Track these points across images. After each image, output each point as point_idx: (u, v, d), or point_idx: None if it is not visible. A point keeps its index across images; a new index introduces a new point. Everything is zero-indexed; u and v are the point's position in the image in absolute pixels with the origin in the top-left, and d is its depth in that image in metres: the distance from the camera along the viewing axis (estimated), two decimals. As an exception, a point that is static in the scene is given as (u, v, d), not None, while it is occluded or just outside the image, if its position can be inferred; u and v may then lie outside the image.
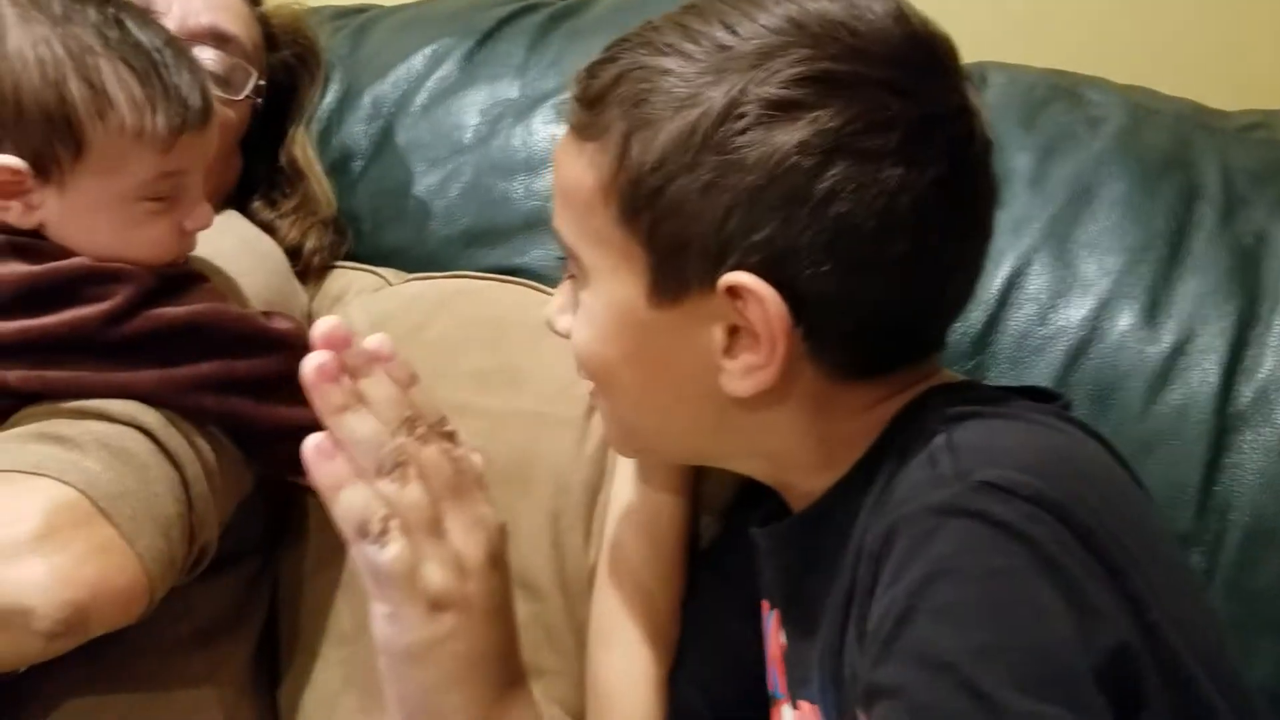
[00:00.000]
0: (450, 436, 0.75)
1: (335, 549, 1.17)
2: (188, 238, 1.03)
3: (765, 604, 0.93)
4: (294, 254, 1.28)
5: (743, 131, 0.75)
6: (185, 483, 0.99)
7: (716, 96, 0.76)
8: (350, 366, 0.73)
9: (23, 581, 0.89)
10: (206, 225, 1.03)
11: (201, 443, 1.01)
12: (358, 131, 1.38)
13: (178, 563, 0.98)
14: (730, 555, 0.98)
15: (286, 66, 1.32)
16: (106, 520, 0.93)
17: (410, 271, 1.31)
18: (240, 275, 1.13)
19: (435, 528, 0.72)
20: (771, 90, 0.75)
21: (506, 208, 1.31)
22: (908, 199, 0.76)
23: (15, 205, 0.98)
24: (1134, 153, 1.15)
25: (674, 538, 0.99)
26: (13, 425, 0.98)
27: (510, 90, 1.34)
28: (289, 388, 1.00)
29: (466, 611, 0.73)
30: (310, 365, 0.72)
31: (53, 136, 0.96)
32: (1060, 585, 0.66)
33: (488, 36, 1.37)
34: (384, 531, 0.71)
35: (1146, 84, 1.27)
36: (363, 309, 1.27)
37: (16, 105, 0.96)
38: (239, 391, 1.01)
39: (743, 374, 0.79)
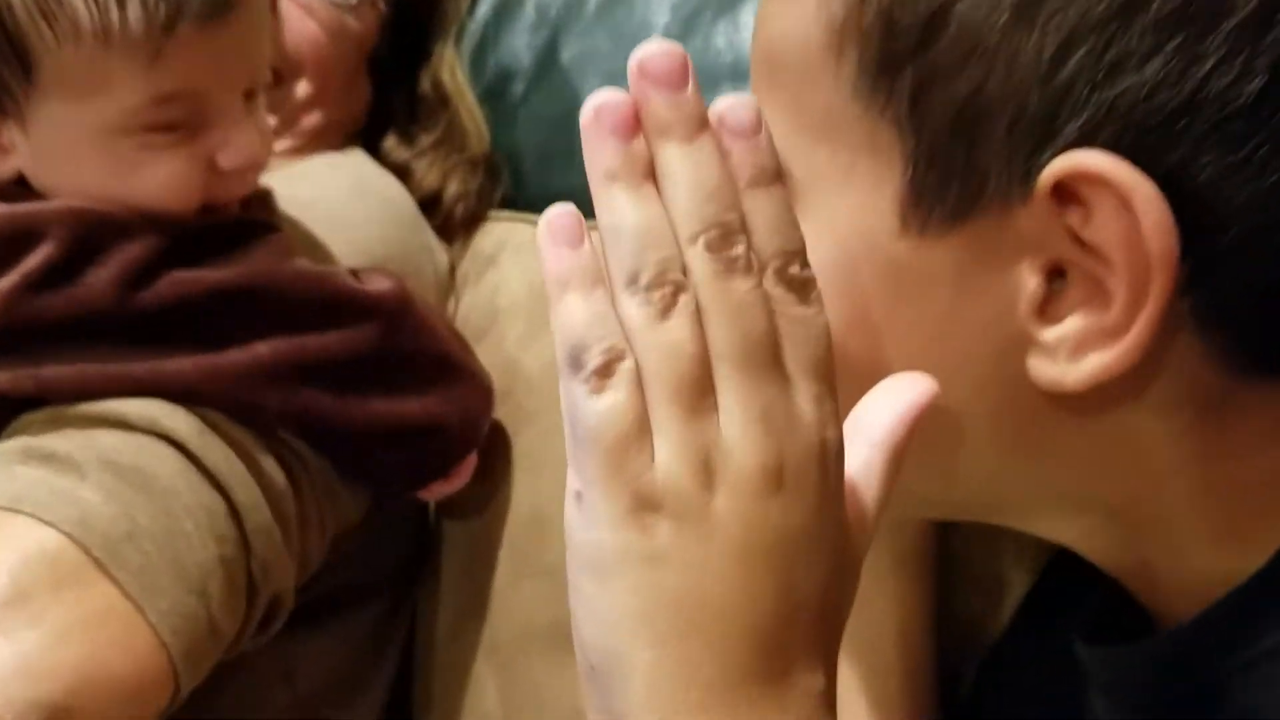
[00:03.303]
0: (798, 285, 0.46)
1: (478, 598, 0.94)
2: (228, 180, 0.76)
3: None
4: (432, 203, 1.03)
5: None
6: (235, 513, 0.73)
7: None
8: (658, 122, 0.45)
9: None
10: (251, 162, 0.76)
11: (262, 455, 0.75)
12: (518, 46, 1.12)
13: (224, 628, 0.72)
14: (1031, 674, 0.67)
15: (425, -32, 1.08)
16: (104, 574, 0.67)
17: (584, 219, 1.01)
18: (347, 227, 0.89)
19: (695, 396, 0.45)
20: None
21: (708, 130, 1.02)
22: None
23: None
24: None
25: (911, 648, 0.71)
26: (8, 436, 0.74)
27: (711, -24, 1.09)
28: (384, 371, 0.78)
29: (690, 533, 0.45)
30: (591, 105, 0.45)
31: None
32: None
33: (679, -91, 1.07)
34: (604, 369, 0.44)
35: None
36: (521, 270, 1.03)
37: None
38: (312, 380, 0.76)
39: (1075, 348, 0.49)
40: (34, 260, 0.70)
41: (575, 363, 0.44)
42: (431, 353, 0.82)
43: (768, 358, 0.45)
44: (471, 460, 0.86)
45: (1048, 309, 0.49)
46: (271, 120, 0.92)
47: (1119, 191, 0.46)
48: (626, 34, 1.08)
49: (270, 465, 0.74)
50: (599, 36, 1.09)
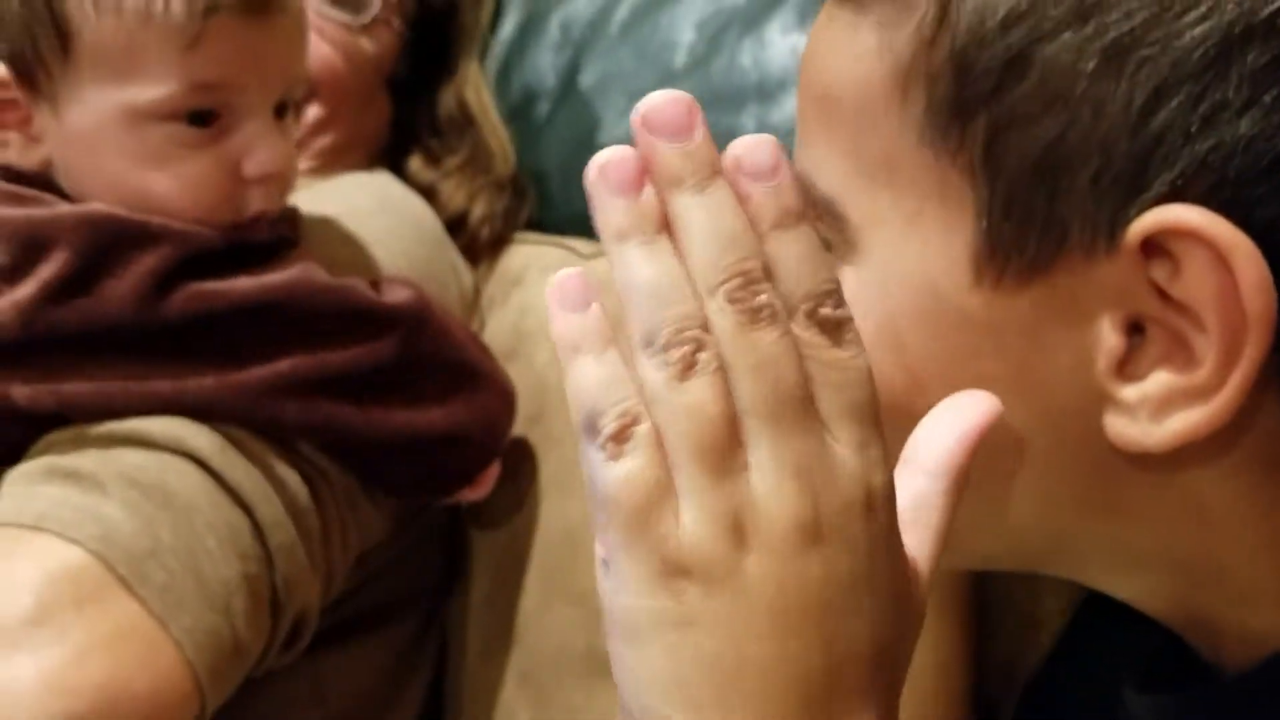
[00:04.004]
0: (831, 327, 0.43)
1: (508, 621, 0.92)
2: (253, 190, 0.75)
3: None
4: (459, 224, 1.02)
5: None
6: (258, 529, 0.72)
7: None
8: (668, 173, 0.43)
9: (3, 688, 0.64)
10: (277, 172, 0.75)
11: (285, 471, 0.74)
12: (543, 66, 1.11)
13: (248, 645, 0.71)
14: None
15: (442, -14, 1.06)
16: (127, 591, 0.67)
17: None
18: (370, 244, 0.87)
19: (721, 457, 0.42)
20: None
21: (734, 149, 1.00)
22: None
23: (14, 138, 0.74)
24: None
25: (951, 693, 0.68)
26: (33, 455, 0.73)
27: (736, -8, 1.05)
28: (405, 382, 0.77)
29: (722, 595, 0.42)
30: (595, 164, 0.43)
31: (31, 25, 0.70)
32: None
33: (704, -73, 1.07)
34: (620, 434, 0.42)
35: None
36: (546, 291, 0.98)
37: None
38: (334, 393, 0.75)
39: (1159, 407, 0.47)
40: (49, 269, 0.69)
41: (591, 428, 0.42)
42: (452, 361, 0.80)
43: (800, 408, 0.42)
44: (495, 468, 0.85)
45: (1126, 366, 0.47)
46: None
47: (1215, 248, 0.44)
48: (650, 53, 1.06)
49: (293, 481, 0.73)
50: (623, 55, 1.07)
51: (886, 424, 0.46)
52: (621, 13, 1.08)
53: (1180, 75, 0.44)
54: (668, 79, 1.04)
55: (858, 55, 0.49)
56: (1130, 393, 0.47)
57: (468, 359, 0.82)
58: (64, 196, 0.73)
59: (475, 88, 1.07)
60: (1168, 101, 0.44)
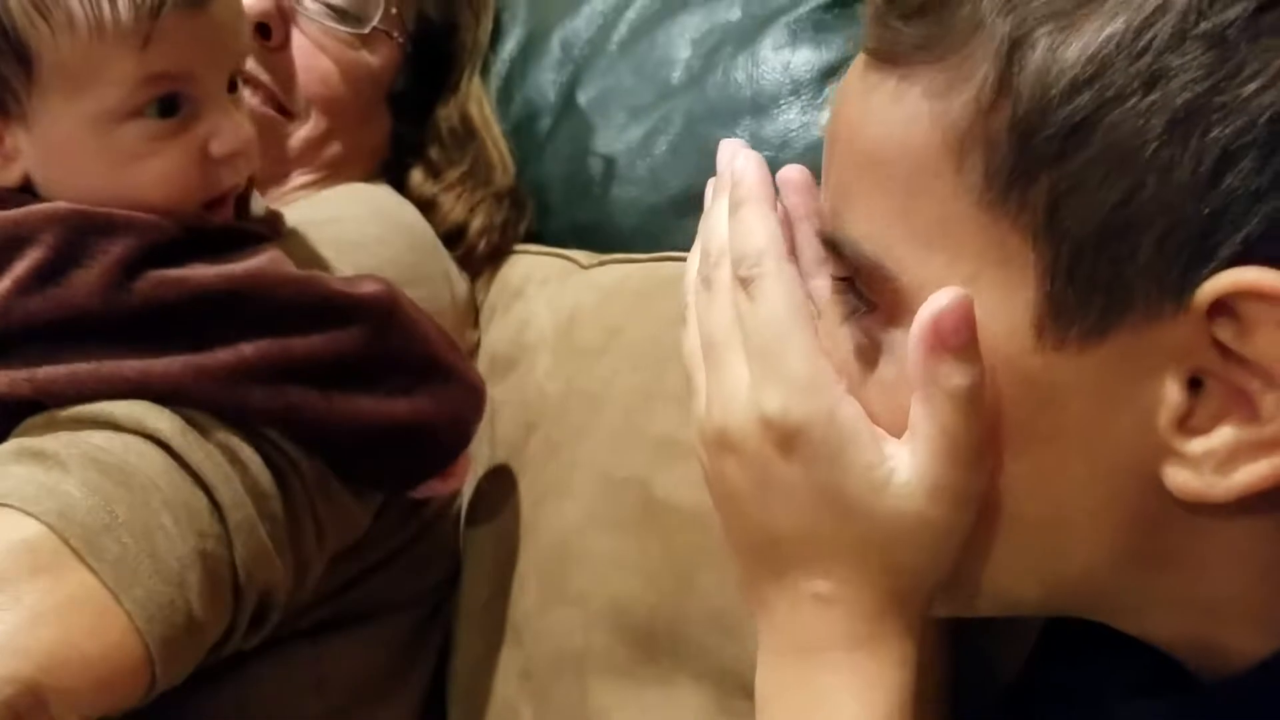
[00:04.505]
0: (742, 284, 0.57)
1: (507, 623, 0.93)
2: (220, 168, 0.78)
3: None
4: (458, 235, 1.04)
5: (1258, 11, 0.45)
6: (217, 508, 0.73)
7: None
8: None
9: None
10: (241, 147, 0.78)
11: (248, 454, 0.75)
12: (544, 82, 1.13)
13: (204, 621, 0.72)
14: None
15: (442, 1, 1.08)
16: (81, 563, 0.68)
17: (608, 252, 1.03)
18: (358, 249, 0.90)
19: (692, 383, 0.60)
20: None
21: (729, 163, 1.01)
22: None
23: None
24: None
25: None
26: (9, 439, 0.75)
27: (730, 11, 1.06)
28: (371, 372, 0.78)
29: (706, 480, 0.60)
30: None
31: None
32: None
33: (700, -53, 1.08)
34: None
35: None
36: (546, 303, 1.02)
37: None
38: (298, 380, 0.76)
39: (1225, 460, 0.47)
40: (23, 265, 0.72)
41: None
42: (419, 354, 0.81)
43: (721, 349, 0.56)
44: (466, 462, 0.86)
45: (1188, 420, 0.47)
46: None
47: None
48: (648, 69, 1.08)
49: (256, 465, 0.75)
50: (622, 72, 1.09)
51: None
52: (620, 31, 1.10)
53: (1246, 140, 0.45)
54: (665, 95, 1.06)
55: (906, 119, 0.49)
56: (1195, 446, 0.47)
57: (435, 353, 0.83)
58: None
59: (478, 101, 1.09)
60: (1235, 165, 0.45)
